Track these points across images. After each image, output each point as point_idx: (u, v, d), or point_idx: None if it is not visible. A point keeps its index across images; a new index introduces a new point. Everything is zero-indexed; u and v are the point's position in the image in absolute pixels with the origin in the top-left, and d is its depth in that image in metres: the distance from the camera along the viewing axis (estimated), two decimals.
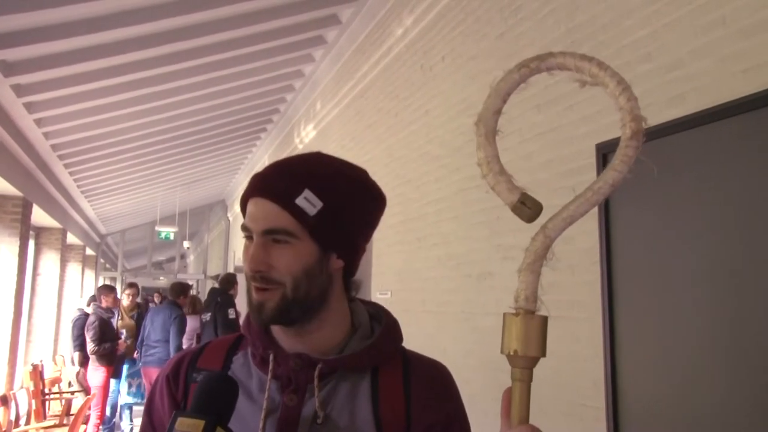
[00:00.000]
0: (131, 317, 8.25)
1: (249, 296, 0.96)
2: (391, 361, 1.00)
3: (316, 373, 0.95)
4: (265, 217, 0.94)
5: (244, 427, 0.93)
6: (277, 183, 0.96)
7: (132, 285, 8.60)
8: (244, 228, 0.97)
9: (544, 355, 0.79)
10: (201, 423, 0.79)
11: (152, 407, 1.04)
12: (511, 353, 0.79)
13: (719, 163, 2.12)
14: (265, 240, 0.94)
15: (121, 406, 7.84)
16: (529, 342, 0.79)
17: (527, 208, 0.80)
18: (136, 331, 7.87)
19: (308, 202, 0.93)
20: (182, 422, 0.80)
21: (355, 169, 1.03)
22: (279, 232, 0.93)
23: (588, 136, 2.76)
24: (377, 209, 1.04)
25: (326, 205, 0.94)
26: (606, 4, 2.73)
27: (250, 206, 0.97)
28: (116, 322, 7.92)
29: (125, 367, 7.73)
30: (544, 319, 0.80)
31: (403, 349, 1.04)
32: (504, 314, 0.81)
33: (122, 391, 7.78)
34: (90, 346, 6.91)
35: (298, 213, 0.92)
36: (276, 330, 1.01)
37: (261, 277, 0.94)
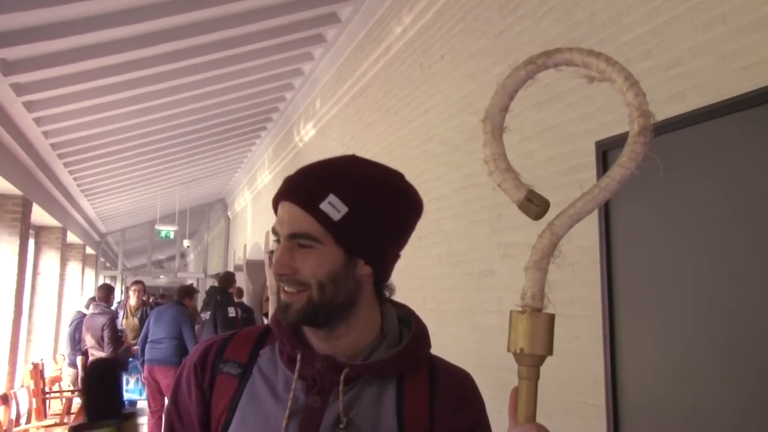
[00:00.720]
0: (135, 316, 8.05)
1: (278, 296, 0.97)
2: (417, 367, 1.00)
3: (342, 377, 0.94)
4: (290, 221, 0.94)
5: (266, 424, 0.94)
6: (302, 187, 0.96)
7: (138, 281, 8.27)
8: (273, 231, 0.98)
9: (551, 353, 0.79)
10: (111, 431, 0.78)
11: (178, 393, 1.04)
12: (518, 351, 0.78)
13: (719, 160, 2.12)
14: (291, 244, 0.94)
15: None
16: (536, 340, 0.78)
17: (534, 205, 0.80)
18: (139, 331, 7.76)
19: (333, 207, 0.92)
20: None
21: (387, 172, 1.01)
22: (303, 236, 0.93)
23: (588, 133, 2.76)
24: (410, 214, 1.02)
25: (352, 210, 0.93)
26: (605, 1, 2.73)
27: (279, 209, 0.97)
28: (121, 321, 7.84)
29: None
30: (551, 317, 0.80)
31: (430, 355, 1.04)
32: (511, 312, 0.80)
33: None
34: (109, 348, 6.83)
35: (322, 218, 0.92)
36: (306, 330, 1.01)
37: (286, 279, 0.94)
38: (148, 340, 6.87)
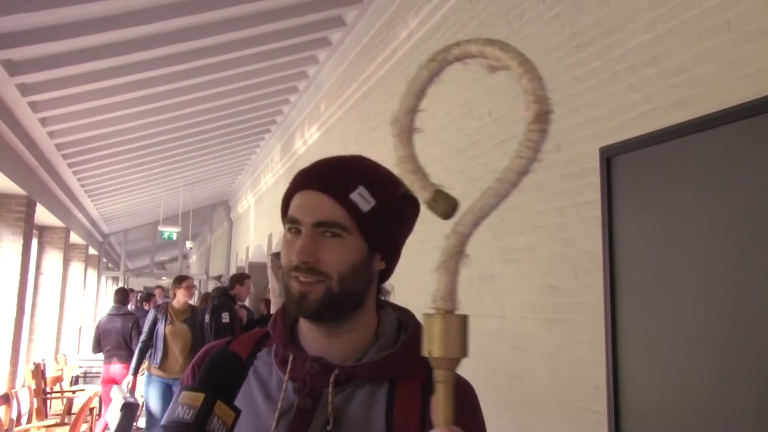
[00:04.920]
0: (182, 321, 6.17)
1: (288, 288, 0.95)
2: (412, 371, 0.98)
3: (332, 378, 0.94)
4: (317, 209, 0.94)
5: (258, 424, 0.94)
6: (332, 176, 0.96)
7: (187, 277, 6.48)
8: (292, 220, 0.96)
9: (465, 355, 0.77)
10: (201, 396, 0.82)
11: None
12: (431, 355, 0.76)
13: (723, 167, 2.12)
14: (315, 232, 0.94)
15: None
16: (449, 342, 0.76)
17: (439, 204, 0.79)
18: (193, 342, 6.10)
19: (362, 198, 0.94)
20: (185, 395, 0.84)
21: (395, 174, 1.05)
22: (332, 224, 0.93)
23: (592, 138, 2.76)
24: (414, 216, 1.05)
25: (378, 204, 0.95)
26: (611, 8, 2.73)
27: (300, 198, 0.97)
28: (163, 328, 6.07)
29: None
30: (464, 319, 0.77)
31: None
32: (423, 315, 0.79)
33: None
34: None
35: (351, 208, 0.93)
36: (301, 331, 1.02)
37: (308, 268, 0.93)
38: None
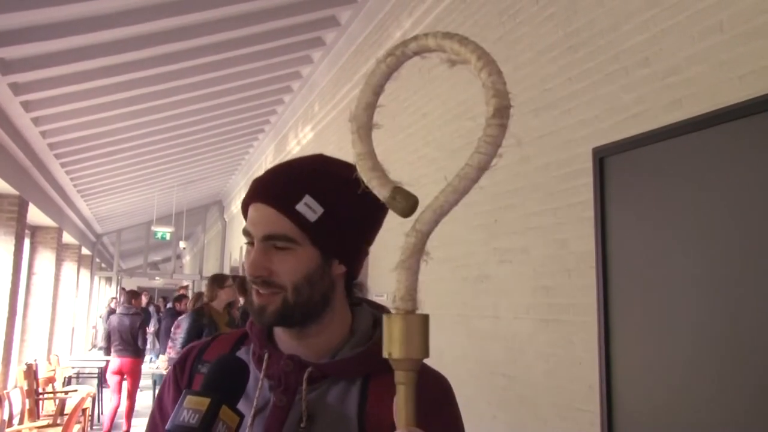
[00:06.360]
0: (227, 325, 5.08)
1: (250, 299, 0.97)
2: (386, 367, 0.99)
3: (306, 376, 0.95)
4: (265, 223, 0.94)
5: None
6: (277, 188, 0.95)
7: (225, 277, 5.39)
8: (246, 233, 0.96)
9: (426, 356, 0.76)
10: (206, 401, 0.83)
11: (162, 393, 1.07)
12: (392, 356, 0.75)
13: (715, 168, 2.12)
14: (265, 245, 0.94)
15: None
16: (410, 343, 0.75)
17: (398, 202, 0.77)
18: None
19: (309, 208, 0.92)
20: (190, 400, 0.84)
21: (354, 173, 1.02)
22: (279, 238, 0.93)
23: (585, 139, 2.77)
24: (381, 213, 1.02)
25: (327, 211, 0.93)
26: (604, 9, 2.74)
27: (251, 211, 0.97)
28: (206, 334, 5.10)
29: None
30: (424, 319, 0.76)
31: None
32: (383, 316, 0.78)
33: None
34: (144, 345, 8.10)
35: (298, 219, 0.92)
36: (277, 330, 1.02)
37: (262, 281, 0.94)
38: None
